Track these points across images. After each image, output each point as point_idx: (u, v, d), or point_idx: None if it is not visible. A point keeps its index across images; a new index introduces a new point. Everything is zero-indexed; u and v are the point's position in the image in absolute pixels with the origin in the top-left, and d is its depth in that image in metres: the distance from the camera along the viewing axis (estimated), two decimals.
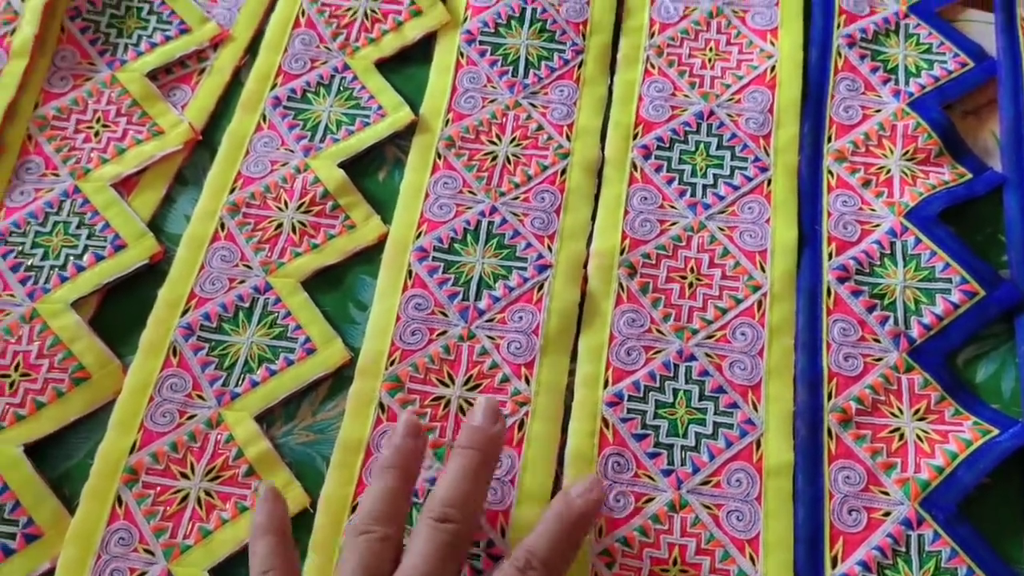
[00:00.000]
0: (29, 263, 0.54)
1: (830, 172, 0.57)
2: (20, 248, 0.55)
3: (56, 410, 0.50)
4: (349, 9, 0.64)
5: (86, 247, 0.54)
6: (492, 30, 0.62)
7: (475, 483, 0.42)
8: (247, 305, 0.53)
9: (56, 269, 0.54)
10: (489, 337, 0.52)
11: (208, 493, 0.48)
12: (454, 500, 0.41)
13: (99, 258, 0.54)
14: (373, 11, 0.63)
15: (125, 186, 0.57)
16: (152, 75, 0.61)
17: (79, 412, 0.50)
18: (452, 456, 0.43)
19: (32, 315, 0.52)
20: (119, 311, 0.54)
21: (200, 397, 0.50)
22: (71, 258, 0.54)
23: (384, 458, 0.43)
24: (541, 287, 0.53)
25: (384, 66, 0.62)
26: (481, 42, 0.62)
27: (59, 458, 0.50)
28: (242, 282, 0.54)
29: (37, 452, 0.49)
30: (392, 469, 0.43)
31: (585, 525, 0.43)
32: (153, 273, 0.55)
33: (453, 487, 0.41)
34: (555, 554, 0.41)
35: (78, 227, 0.55)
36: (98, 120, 0.60)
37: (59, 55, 0.62)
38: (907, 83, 0.60)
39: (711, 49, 0.62)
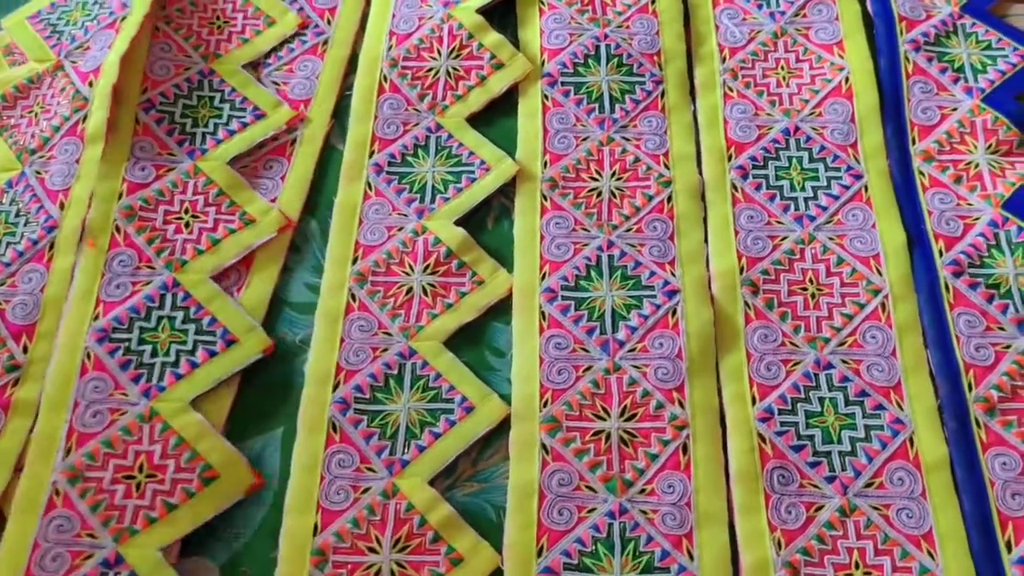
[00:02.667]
0: (139, 360, 0.53)
1: (921, 172, 0.59)
2: (127, 344, 0.54)
3: (188, 511, 0.49)
4: (430, 70, 0.65)
5: (196, 343, 0.54)
6: (571, 70, 0.64)
7: None
8: (395, 372, 0.53)
9: (168, 366, 0.53)
10: (635, 366, 0.53)
11: (400, 564, 0.48)
12: None
13: (212, 354, 0.53)
14: (455, 68, 0.64)
15: (244, 261, 0.57)
16: (246, 152, 0.62)
17: (213, 512, 0.49)
18: None
19: (151, 414, 0.51)
20: (260, 384, 0.54)
21: (370, 469, 0.50)
22: (182, 354, 0.53)
23: None
24: (674, 312, 0.54)
25: (471, 119, 0.63)
26: (563, 83, 0.63)
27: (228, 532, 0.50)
28: (385, 350, 0.54)
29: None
30: None
31: None
32: (290, 345, 0.55)
33: None
34: None
35: (184, 322, 0.54)
36: (186, 211, 0.59)
37: (137, 146, 0.61)
38: (976, 80, 0.63)
39: (783, 67, 0.64)
